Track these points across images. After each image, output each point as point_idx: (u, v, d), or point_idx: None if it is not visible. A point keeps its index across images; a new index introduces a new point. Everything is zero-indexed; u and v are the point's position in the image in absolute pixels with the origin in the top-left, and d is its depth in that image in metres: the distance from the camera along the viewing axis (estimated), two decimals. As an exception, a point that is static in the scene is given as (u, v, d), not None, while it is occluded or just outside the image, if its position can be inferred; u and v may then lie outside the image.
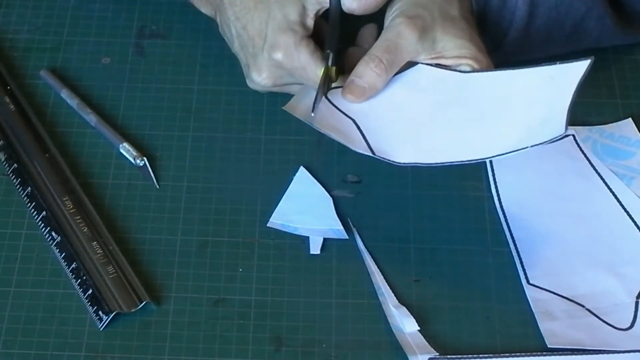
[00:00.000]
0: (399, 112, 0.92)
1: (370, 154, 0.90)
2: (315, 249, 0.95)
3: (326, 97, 0.93)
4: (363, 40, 0.99)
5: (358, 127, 0.92)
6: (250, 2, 0.96)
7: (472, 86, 0.91)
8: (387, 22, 0.94)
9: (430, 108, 0.92)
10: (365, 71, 0.92)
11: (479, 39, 0.94)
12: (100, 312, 0.90)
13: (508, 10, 0.98)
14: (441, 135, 0.90)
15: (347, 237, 0.95)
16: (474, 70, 0.91)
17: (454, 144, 0.89)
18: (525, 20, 0.98)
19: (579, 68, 0.87)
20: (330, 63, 0.93)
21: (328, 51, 0.93)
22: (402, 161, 0.90)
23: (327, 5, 0.94)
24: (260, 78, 0.96)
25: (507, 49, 1.01)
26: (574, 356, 0.88)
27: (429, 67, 0.92)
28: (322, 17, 0.96)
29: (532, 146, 0.85)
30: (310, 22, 0.95)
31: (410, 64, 0.93)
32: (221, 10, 0.99)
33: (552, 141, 0.85)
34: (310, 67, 0.94)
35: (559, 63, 0.88)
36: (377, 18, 0.97)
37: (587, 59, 0.87)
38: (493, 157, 0.87)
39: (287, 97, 0.97)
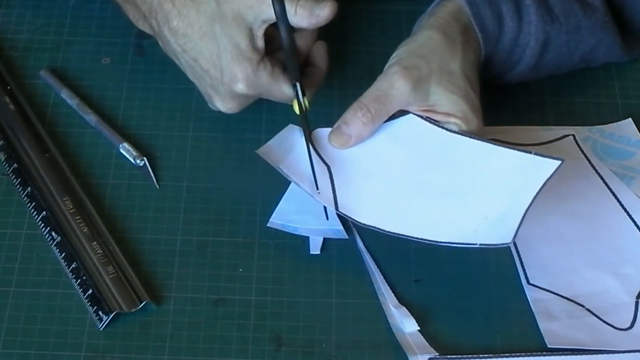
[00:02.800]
0: (377, 164, 0.93)
1: (333, 209, 0.91)
2: (315, 249, 0.95)
3: (309, 141, 0.93)
4: (316, 59, 0.98)
5: (330, 176, 0.92)
6: (195, 34, 0.94)
7: (454, 150, 0.91)
8: (386, 67, 0.93)
9: (408, 165, 0.92)
10: (353, 119, 0.92)
11: (474, 97, 0.93)
12: (100, 312, 0.90)
13: (519, 47, 0.98)
14: (407, 202, 0.91)
15: (347, 237, 0.95)
16: (460, 131, 0.91)
17: (415, 216, 0.90)
18: (536, 58, 0.98)
19: (550, 166, 0.87)
20: (300, 94, 0.93)
21: (295, 82, 0.93)
22: (363, 221, 0.91)
23: (273, 19, 0.92)
24: (226, 108, 0.96)
25: (513, 78, 1.01)
26: (574, 356, 0.88)
27: (420, 119, 0.92)
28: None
29: (480, 245, 0.86)
30: (261, 43, 0.93)
31: (402, 112, 0.93)
32: (162, 38, 0.97)
33: (495, 246, 0.86)
34: (273, 87, 0.94)
35: (534, 154, 0.88)
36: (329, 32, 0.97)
37: (558, 160, 0.87)
38: (444, 243, 0.88)
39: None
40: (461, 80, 0.92)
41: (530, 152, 0.89)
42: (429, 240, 0.88)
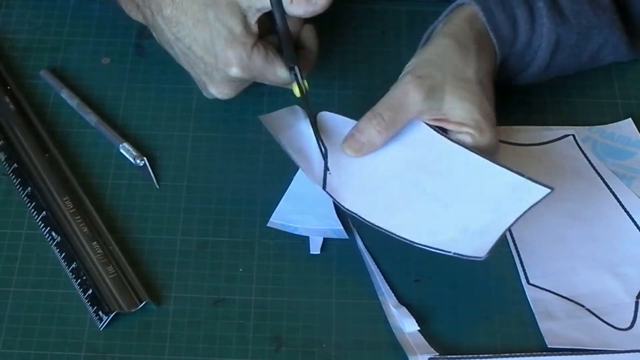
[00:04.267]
0: (374, 158, 0.93)
1: (320, 188, 0.92)
2: (315, 249, 0.95)
3: (313, 120, 0.93)
4: (306, 42, 0.98)
5: (325, 157, 0.93)
6: (189, 21, 0.94)
7: (452, 160, 0.91)
8: (400, 76, 0.93)
9: (405, 165, 0.93)
10: (367, 127, 0.92)
11: (488, 105, 0.93)
12: (100, 312, 0.90)
13: (532, 50, 0.98)
14: (395, 199, 0.92)
15: (347, 237, 0.95)
16: (463, 144, 0.91)
17: (398, 213, 0.91)
18: (547, 60, 0.99)
19: (539, 192, 0.88)
20: (299, 77, 0.93)
21: (293, 66, 0.93)
22: (346, 206, 0.92)
23: (269, 7, 0.92)
24: (221, 94, 0.96)
25: (523, 80, 1.01)
26: (574, 356, 0.88)
27: (428, 127, 0.93)
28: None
29: (454, 253, 0.87)
30: (254, 28, 0.93)
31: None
32: (156, 28, 0.97)
33: (468, 258, 0.86)
34: (268, 70, 0.94)
35: (526, 177, 0.89)
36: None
37: (549, 188, 0.87)
38: (420, 245, 0.89)
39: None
40: (476, 87, 0.92)
41: (523, 175, 0.89)
42: (405, 239, 0.89)
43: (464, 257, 0.87)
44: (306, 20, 0.97)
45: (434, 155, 0.92)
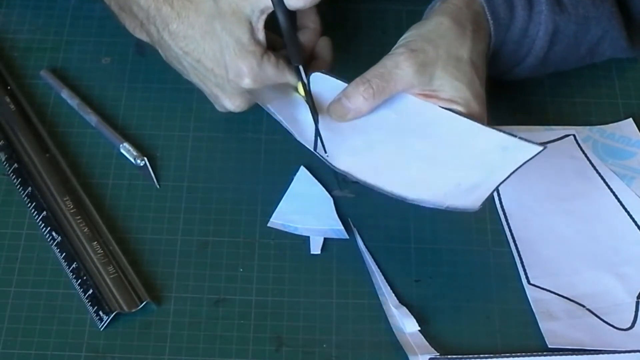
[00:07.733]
0: (365, 121, 0.93)
1: (311, 149, 0.93)
2: (315, 249, 0.95)
3: (316, 120, 0.93)
4: (321, 52, 0.97)
5: (316, 121, 0.93)
6: (196, 34, 0.93)
7: (442, 125, 0.91)
8: (393, 48, 0.93)
9: (395, 129, 0.93)
10: (354, 93, 0.92)
11: (479, 85, 0.93)
12: (100, 312, 0.90)
13: (529, 38, 0.98)
14: (386, 159, 0.92)
15: (348, 237, 0.95)
16: (451, 109, 0.92)
17: (390, 171, 0.91)
18: (545, 49, 0.99)
19: (530, 150, 0.88)
20: (303, 77, 0.93)
21: (297, 65, 0.93)
22: (337, 165, 0.92)
23: (271, 7, 0.91)
24: (234, 106, 0.96)
25: (522, 72, 1.01)
26: (574, 356, 0.88)
27: (416, 98, 0.93)
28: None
29: (447, 206, 0.88)
30: (261, 35, 0.92)
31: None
32: (162, 45, 0.97)
33: (461, 210, 0.88)
34: (280, 77, 0.93)
35: (519, 138, 0.89)
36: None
37: (540, 146, 0.88)
38: (412, 199, 0.89)
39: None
40: (468, 67, 0.92)
41: (515, 136, 0.89)
42: (397, 195, 0.89)
43: (458, 209, 0.87)
44: (322, 33, 0.97)
45: (423, 121, 0.92)
